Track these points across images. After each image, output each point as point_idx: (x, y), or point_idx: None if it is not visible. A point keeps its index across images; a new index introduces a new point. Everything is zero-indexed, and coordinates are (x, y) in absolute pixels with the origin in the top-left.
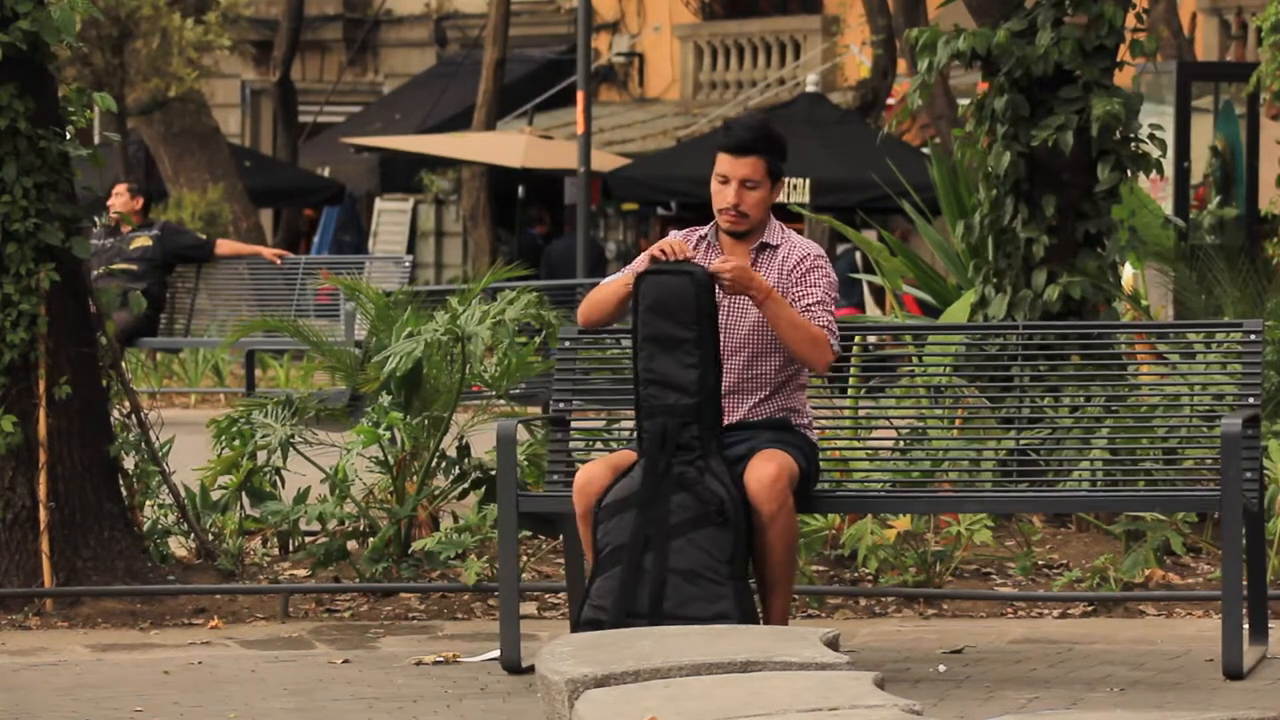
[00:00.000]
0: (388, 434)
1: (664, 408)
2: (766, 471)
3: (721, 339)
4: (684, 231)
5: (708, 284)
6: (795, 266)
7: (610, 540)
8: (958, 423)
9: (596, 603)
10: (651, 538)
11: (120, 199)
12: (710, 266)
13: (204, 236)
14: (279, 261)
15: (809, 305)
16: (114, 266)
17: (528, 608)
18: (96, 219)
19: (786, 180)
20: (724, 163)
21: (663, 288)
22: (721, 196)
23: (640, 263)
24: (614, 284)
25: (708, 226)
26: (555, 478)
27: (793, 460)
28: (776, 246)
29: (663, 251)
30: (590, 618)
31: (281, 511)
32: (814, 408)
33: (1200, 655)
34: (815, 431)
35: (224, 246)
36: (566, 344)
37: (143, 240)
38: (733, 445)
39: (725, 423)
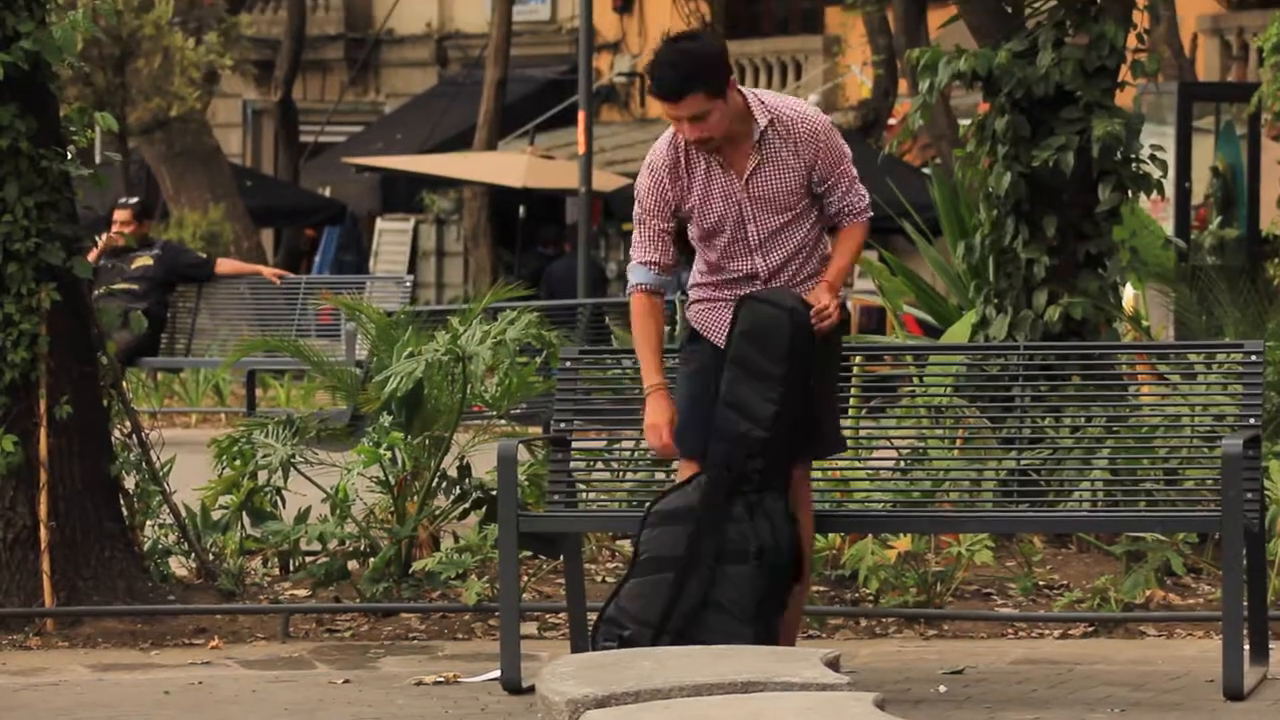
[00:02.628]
0: (388, 454)
1: (736, 435)
2: (808, 530)
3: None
4: (667, 135)
5: (805, 324)
6: (811, 142)
7: (652, 550)
8: (958, 443)
9: (625, 605)
10: (699, 564)
11: (128, 226)
12: (813, 311)
13: (204, 255)
14: (279, 281)
15: (846, 191)
16: (115, 286)
17: (528, 628)
18: (98, 238)
19: None
20: (665, 108)
21: (760, 317)
22: (681, 133)
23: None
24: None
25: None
26: (556, 498)
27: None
28: (771, 121)
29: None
30: (613, 616)
31: (282, 531)
32: None
33: (1201, 676)
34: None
35: (224, 266)
36: (567, 364)
37: (144, 260)
38: None
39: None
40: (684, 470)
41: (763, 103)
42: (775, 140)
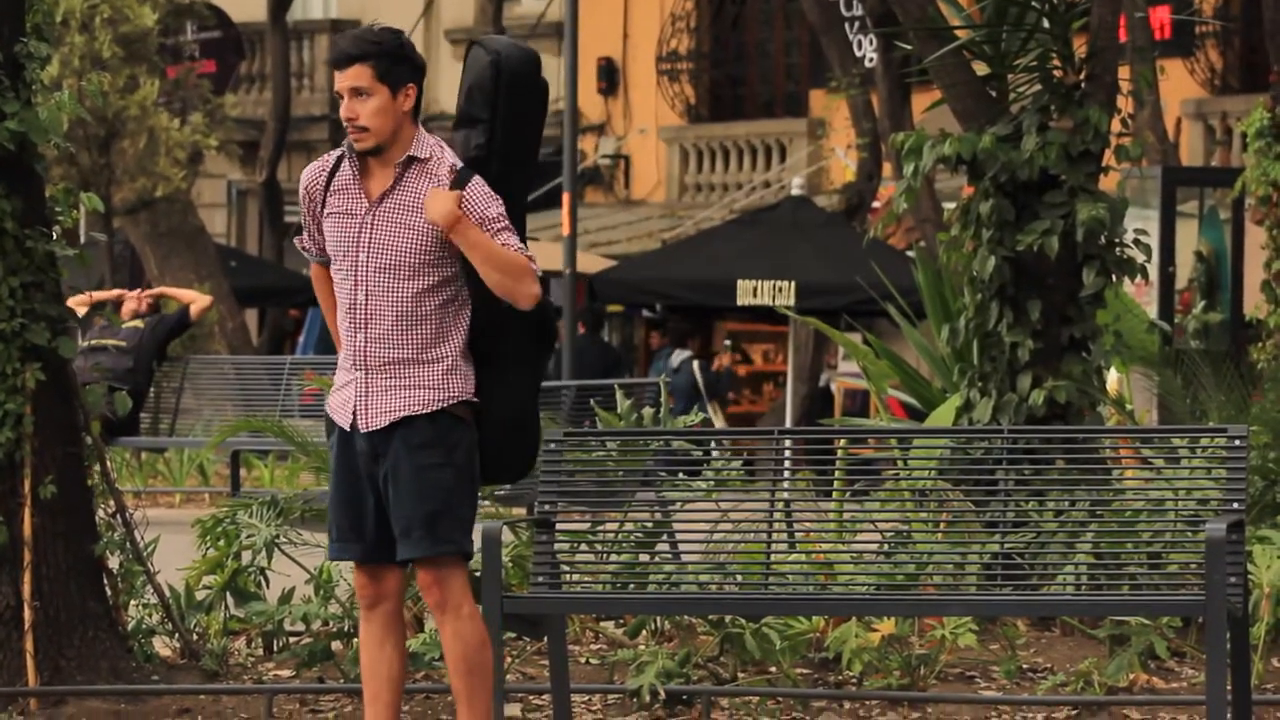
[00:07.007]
0: None
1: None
2: (421, 580)
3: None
4: (319, 160)
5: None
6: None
7: None
8: (942, 526)
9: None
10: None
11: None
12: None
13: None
14: (142, 304)
15: (494, 234)
16: (103, 341)
17: (512, 709)
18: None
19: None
20: (336, 79)
21: (473, 61)
22: (342, 113)
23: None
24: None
25: (346, 144)
26: (540, 579)
27: (450, 554)
28: (425, 160)
29: None
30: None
31: (266, 611)
32: (798, 510)
33: None
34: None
35: (191, 305)
36: (552, 446)
37: (135, 323)
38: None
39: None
40: (358, 580)
41: (438, 145)
42: (418, 170)
